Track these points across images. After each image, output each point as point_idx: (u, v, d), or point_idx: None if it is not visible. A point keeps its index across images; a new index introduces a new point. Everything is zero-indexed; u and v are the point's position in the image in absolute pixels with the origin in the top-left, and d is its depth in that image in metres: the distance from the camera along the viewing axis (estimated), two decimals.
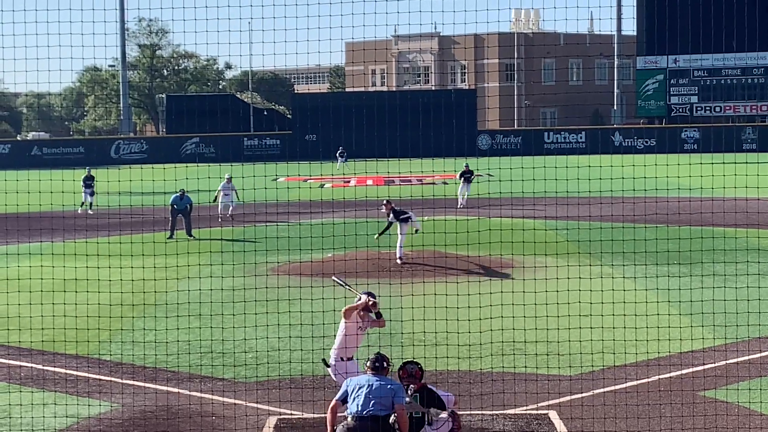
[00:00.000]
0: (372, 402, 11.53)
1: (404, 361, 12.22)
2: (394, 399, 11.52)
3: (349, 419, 11.60)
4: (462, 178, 45.02)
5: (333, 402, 11.89)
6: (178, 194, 35.31)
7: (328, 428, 11.79)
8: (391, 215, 28.38)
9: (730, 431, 13.35)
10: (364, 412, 11.52)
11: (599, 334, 17.03)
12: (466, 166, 45.24)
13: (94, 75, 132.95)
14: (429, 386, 11.94)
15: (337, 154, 76.01)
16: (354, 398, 11.70)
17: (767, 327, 19.05)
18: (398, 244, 28.10)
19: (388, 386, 11.66)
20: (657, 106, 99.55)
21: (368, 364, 11.97)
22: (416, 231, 28.97)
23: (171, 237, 34.44)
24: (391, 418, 11.47)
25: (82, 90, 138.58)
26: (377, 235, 28.59)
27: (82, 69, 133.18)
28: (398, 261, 27.69)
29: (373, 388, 11.65)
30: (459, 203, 43.89)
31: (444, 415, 11.92)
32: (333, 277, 15.15)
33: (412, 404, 11.61)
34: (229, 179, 40.08)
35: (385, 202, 28.76)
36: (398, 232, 28.32)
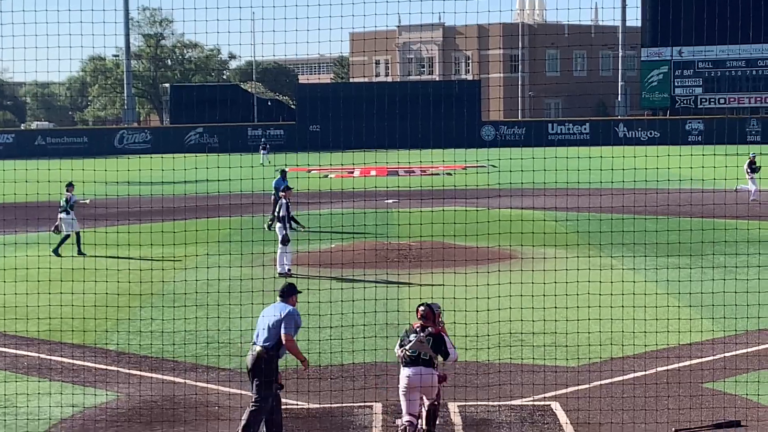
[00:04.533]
0: (262, 331, 12.50)
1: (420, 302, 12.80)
2: (282, 329, 12.33)
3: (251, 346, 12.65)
4: (750, 169, 40.54)
5: None
6: (279, 176, 31.73)
7: None
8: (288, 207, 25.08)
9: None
10: (255, 342, 12.55)
11: (603, 325, 17.01)
12: (753, 155, 40.89)
13: (97, 64, 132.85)
14: (444, 335, 12.46)
15: (260, 148, 75.07)
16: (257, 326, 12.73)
17: None
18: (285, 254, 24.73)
19: (276, 316, 12.48)
20: (661, 97, 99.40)
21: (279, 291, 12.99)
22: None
23: (270, 228, 30.61)
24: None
25: (85, 79, 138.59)
26: (297, 225, 26.04)
27: (86, 58, 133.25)
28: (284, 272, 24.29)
29: (266, 317, 12.59)
30: (751, 197, 39.16)
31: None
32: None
33: (423, 345, 12.25)
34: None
35: (286, 189, 26.01)
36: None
